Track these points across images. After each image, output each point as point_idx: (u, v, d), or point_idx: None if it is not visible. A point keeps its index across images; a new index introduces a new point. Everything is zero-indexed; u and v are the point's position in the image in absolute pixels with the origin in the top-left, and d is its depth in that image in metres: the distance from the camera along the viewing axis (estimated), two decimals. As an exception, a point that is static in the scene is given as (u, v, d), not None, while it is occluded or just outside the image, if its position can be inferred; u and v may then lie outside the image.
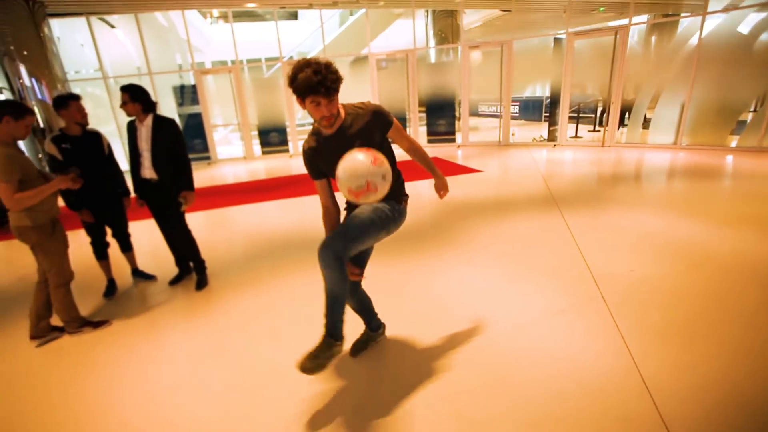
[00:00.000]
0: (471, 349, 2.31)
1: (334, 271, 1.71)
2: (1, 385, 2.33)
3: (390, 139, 1.94)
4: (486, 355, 2.25)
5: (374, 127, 1.81)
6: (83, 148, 2.93)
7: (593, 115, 11.23)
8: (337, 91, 1.66)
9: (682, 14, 10.34)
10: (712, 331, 2.32)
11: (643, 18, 12.31)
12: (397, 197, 1.96)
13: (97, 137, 3.06)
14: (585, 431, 1.71)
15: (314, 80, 1.58)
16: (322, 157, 1.83)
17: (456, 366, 2.17)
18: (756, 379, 1.93)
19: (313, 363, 1.74)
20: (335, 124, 1.77)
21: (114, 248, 3.40)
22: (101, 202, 3.13)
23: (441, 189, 2.13)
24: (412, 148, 2.02)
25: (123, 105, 2.89)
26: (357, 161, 1.60)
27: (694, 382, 1.94)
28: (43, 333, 2.73)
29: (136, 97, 2.87)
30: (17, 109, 2.36)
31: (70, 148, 2.87)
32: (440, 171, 2.15)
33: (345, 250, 1.73)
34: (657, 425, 1.70)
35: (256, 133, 10.46)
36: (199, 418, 1.95)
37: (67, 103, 2.79)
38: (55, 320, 2.78)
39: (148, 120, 2.98)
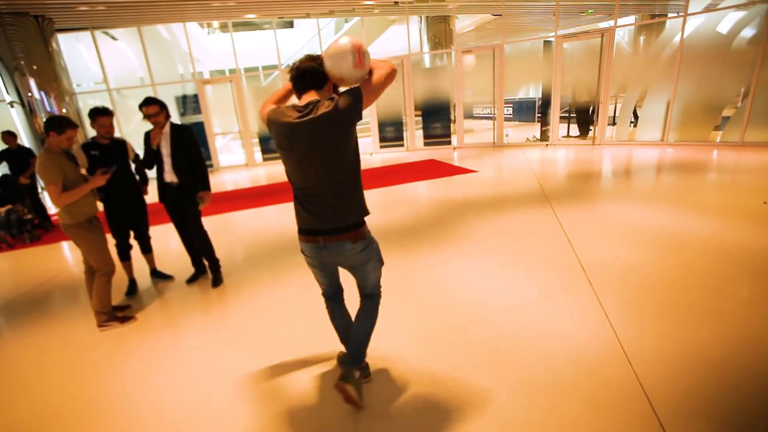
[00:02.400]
0: (470, 327, 2.56)
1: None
2: (38, 376, 2.57)
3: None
4: (484, 332, 2.50)
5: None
6: (110, 155, 3.20)
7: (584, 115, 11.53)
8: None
9: (668, 15, 10.70)
10: (684, 305, 2.58)
11: (630, 20, 12.69)
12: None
13: (122, 145, 3.33)
14: (570, 393, 1.96)
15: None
16: None
17: (457, 342, 2.42)
18: (720, 343, 2.20)
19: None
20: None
21: (134, 251, 3.63)
22: (125, 204, 3.39)
23: None
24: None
25: (155, 115, 3.14)
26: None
27: (666, 348, 2.20)
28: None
29: (163, 107, 3.18)
30: (59, 124, 2.72)
31: (98, 155, 3.14)
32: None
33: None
34: (633, 384, 1.96)
35: (256, 140, 10.73)
36: (218, 402, 2.18)
37: (95, 117, 3.09)
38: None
39: (167, 128, 3.25)
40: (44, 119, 7.39)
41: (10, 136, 5.70)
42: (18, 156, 5.68)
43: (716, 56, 7.42)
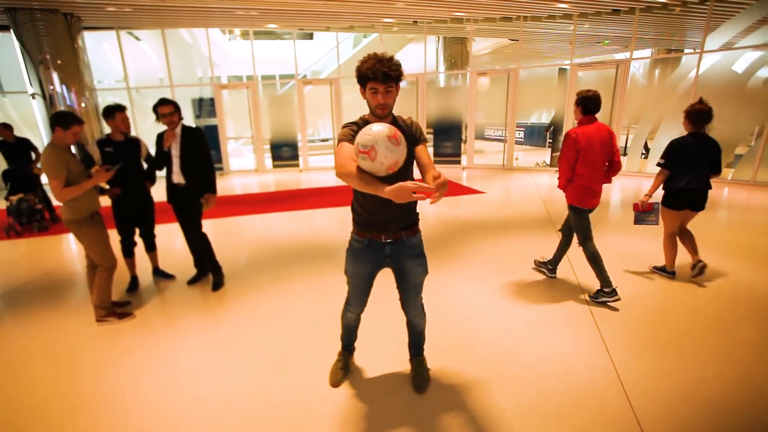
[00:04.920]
0: (467, 349, 2.53)
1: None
2: (34, 365, 2.57)
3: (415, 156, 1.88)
4: (481, 355, 2.47)
5: (410, 139, 1.85)
6: (123, 153, 3.24)
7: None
8: (394, 80, 1.71)
9: (684, 51, 10.77)
10: (688, 343, 2.54)
11: (646, 53, 12.80)
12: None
13: (136, 143, 3.38)
14: (566, 422, 1.92)
15: (376, 66, 1.67)
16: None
17: (453, 363, 2.39)
18: (722, 384, 2.15)
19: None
20: (385, 119, 1.80)
21: (138, 248, 3.65)
22: (133, 201, 3.41)
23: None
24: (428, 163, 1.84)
25: (170, 115, 3.19)
26: (377, 126, 1.59)
27: (665, 384, 2.15)
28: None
29: (177, 108, 3.24)
30: (65, 120, 2.75)
31: (112, 152, 3.19)
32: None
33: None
34: (629, 419, 1.92)
35: (268, 146, 10.86)
36: (210, 403, 2.17)
37: (113, 114, 3.15)
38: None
39: (178, 129, 3.29)
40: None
41: (5, 128, 5.68)
42: (18, 147, 5.75)
43: (731, 94, 7.44)
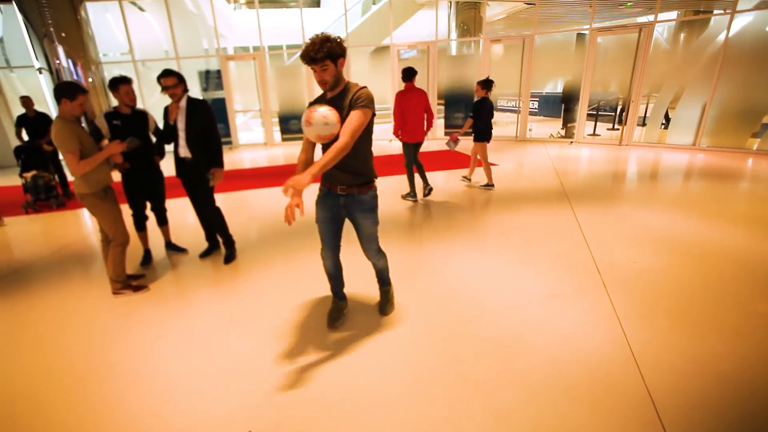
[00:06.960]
0: (477, 322, 2.52)
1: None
2: (52, 335, 2.65)
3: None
4: (492, 327, 2.46)
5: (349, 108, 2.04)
6: (131, 126, 3.21)
7: (613, 114, 11.15)
8: (319, 61, 1.92)
9: (714, 12, 10.12)
10: (702, 316, 2.49)
11: (672, 15, 12.07)
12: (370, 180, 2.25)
13: (144, 116, 3.34)
14: (575, 395, 1.91)
15: (303, 53, 1.94)
16: None
17: (463, 335, 2.39)
18: (735, 358, 2.11)
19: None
20: (334, 90, 2.07)
21: (150, 222, 3.68)
22: (143, 176, 3.41)
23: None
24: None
25: (173, 87, 3.11)
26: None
27: (678, 357, 2.13)
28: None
29: (181, 79, 3.15)
30: (71, 91, 2.69)
31: (120, 125, 3.17)
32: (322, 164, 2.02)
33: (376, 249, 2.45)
34: (641, 392, 1.90)
35: (276, 119, 10.73)
36: (221, 376, 2.21)
37: (117, 86, 3.10)
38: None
39: (183, 102, 3.23)
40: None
41: (27, 101, 5.76)
42: (36, 122, 5.76)
43: (762, 58, 7.01)
